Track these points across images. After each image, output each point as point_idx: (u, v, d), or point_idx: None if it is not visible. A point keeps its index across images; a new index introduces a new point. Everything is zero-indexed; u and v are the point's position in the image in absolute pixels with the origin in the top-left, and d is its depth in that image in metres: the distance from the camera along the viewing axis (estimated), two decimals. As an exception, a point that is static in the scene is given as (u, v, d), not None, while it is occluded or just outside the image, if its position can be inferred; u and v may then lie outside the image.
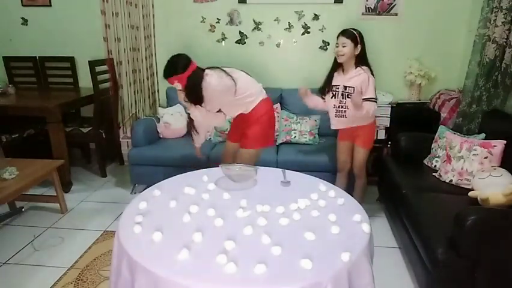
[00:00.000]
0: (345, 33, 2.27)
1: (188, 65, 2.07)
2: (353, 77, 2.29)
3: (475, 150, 2.31)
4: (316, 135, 3.23)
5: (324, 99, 2.47)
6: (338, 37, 2.29)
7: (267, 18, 3.55)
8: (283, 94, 3.49)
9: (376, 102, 2.29)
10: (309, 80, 3.59)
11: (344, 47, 2.24)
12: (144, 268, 1.09)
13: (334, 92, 2.38)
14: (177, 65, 2.07)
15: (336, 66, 2.39)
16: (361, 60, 2.29)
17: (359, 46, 2.26)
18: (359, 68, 2.28)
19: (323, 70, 3.79)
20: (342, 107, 2.36)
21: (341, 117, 2.39)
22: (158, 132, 3.33)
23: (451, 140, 2.48)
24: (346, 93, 2.32)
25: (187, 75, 2.06)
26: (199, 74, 2.10)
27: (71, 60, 3.85)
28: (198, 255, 1.14)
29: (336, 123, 2.45)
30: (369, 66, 2.32)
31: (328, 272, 1.07)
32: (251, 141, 2.34)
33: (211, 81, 2.09)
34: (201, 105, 2.16)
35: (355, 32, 2.27)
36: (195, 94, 2.11)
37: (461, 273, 1.73)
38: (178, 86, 2.10)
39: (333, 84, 2.39)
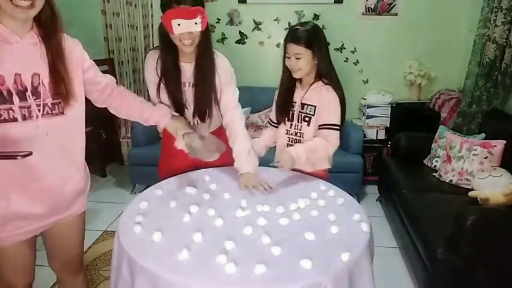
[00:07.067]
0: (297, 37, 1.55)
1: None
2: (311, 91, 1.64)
3: (475, 150, 2.31)
4: (317, 135, 3.22)
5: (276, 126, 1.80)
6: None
7: (267, 18, 3.55)
8: (283, 94, 3.49)
9: (339, 130, 1.62)
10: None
11: (297, 59, 1.55)
12: (144, 268, 1.08)
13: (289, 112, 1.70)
14: None
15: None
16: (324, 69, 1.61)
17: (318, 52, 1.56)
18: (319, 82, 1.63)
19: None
20: (297, 133, 1.69)
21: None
22: (158, 132, 3.32)
23: (451, 140, 2.48)
24: (303, 114, 1.67)
25: (206, 21, 1.48)
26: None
27: (71, 60, 3.85)
28: (198, 255, 1.14)
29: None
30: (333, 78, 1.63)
31: (328, 272, 1.07)
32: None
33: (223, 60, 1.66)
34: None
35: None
36: (209, 48, 1.59)
37: (461, 273, 1.74)
38: (198, 26, 1.42)
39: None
